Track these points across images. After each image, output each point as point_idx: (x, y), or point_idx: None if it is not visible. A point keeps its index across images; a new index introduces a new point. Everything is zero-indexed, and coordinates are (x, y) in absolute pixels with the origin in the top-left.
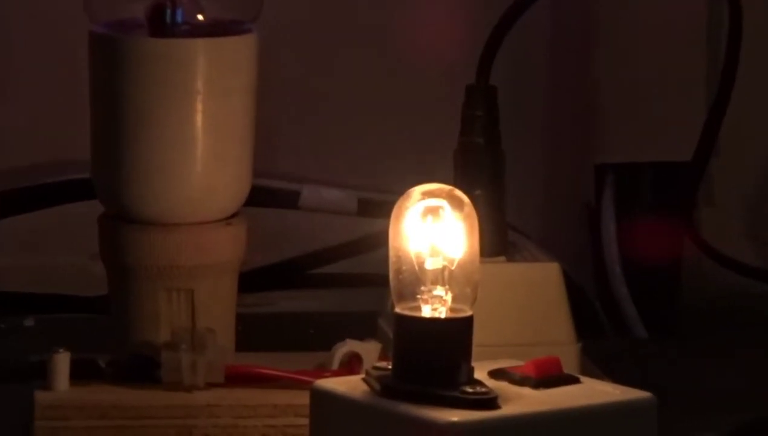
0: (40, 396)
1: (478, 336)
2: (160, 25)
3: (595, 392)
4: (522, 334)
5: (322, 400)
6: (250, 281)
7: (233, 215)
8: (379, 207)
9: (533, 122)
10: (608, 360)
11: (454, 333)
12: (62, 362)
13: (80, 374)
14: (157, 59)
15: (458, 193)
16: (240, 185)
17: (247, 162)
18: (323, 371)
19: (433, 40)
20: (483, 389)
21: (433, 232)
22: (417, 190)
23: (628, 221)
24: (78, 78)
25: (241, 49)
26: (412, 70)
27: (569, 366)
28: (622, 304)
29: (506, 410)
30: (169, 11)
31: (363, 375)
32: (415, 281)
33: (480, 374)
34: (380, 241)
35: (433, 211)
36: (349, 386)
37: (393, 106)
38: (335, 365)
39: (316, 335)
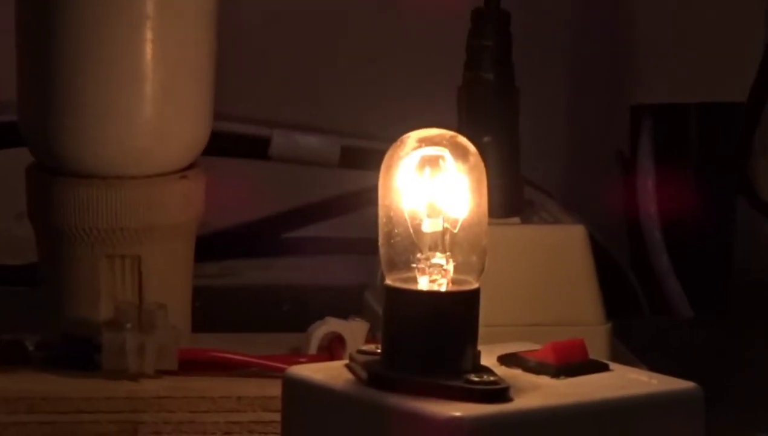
0: None
1: (486, 314)
2: None
3: (627, 381)
4: (539, 311)
5: (297, 391)
6: (211, 246)
7: (189, 167)
8: (367, 157)
9: (555, 55)
10: (645, 343)
11: (457, 310)
12: None
13: (4, 358)
14: None
15: (462, 140)
16: (197, 130)
17: (206, 102)
18: (298, 355)
19: None
20: (492, 378)
21: (431, 187)
22: (412, 137)
23: (670, 174)
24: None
25: None
26: None
27: (597, 350)
28: (663, 276)
29: (519, 403)
30: None
31: (346, 361)
32: (410, 247)
33: (488, 360)
34: (367, 198)
35: (431, 162)
36: (330, 373)
37: (383, 36)
38: (313, 349)
39: (290, 313)
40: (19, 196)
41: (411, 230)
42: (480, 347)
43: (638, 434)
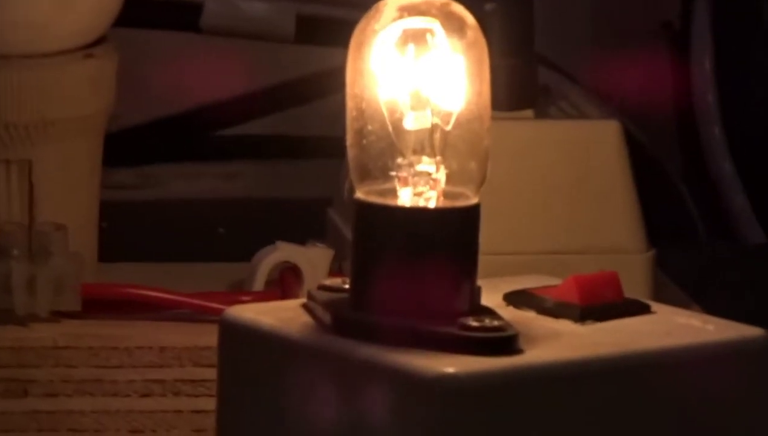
0: None
1: (488, 238)
2: None
3: (674, 327)
4: (559, 235)
5: (238, 338)
6: (124, 147)
7: (96, 43)
8: (330, 29)
9: None
10: (699, 277)
11: (450, 232)
12: None
13: None
14: None
15: (457, 7)
16: None
17: None
18: (239, 292)
19: None
20: (495, 323)
21: (416, 70)
22: (391, 4)
23: (733, 52)
24: None
25: None
26: None
27: (635, 286)
28: (724, 188)
29: (532, 355)
30: None
31: (303, 299)
32: (388, 150)
33: (492, 298)
34: (331, 84)
35: (417, 36)
36: (282, 316)
37: None
38: (259, 284)
39: (227, 236)
40: None
41: (389, 127)
42: (480, 282)
43: (689, 395)
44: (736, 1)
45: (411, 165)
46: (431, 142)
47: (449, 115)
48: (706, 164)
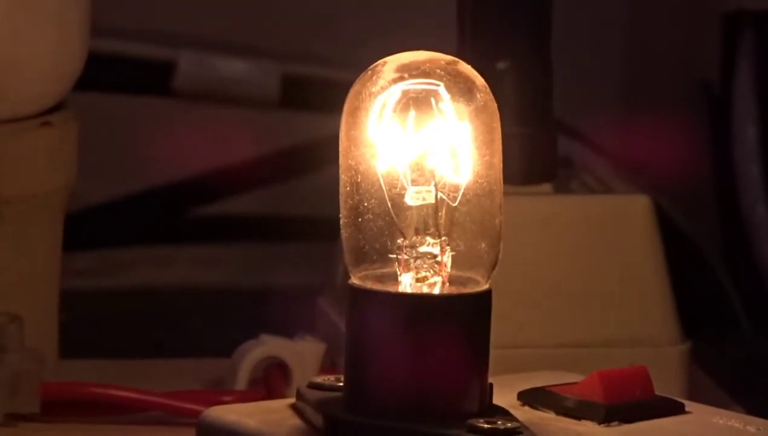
0: None
1: (500, 330)
2: None
3: (712, 429)
4: (582, 326)
5: None
6: (85, 229)
7: (54, 109)
8: (320, 92)
9: None
10: (742, 374)
11: (458, 323)
12: None
13: None
14: None
15: (464, 67)
16: (66, 52)
17: (79, 7)
18: (220, 392)
19: None
20: (509, 425)
21: (419, 139)
22: (390, 64)
23: None
24: None
25: None
26: None
27: (667, 383)
28: None
29: None
30: None
31: (292, 399)
32: (387, 229)
33: (506, 397)
34: (322, 154)
35: (419, 101)
36: (268, 418)
37: None
38: (242, 382)
39: (205, 328)
40: None
41: (388, 203)
42: (492, 379)
43: None
44: None
45: (413, 246)
46: (436, 221)
47: (456, 189)
48: (749, 246)
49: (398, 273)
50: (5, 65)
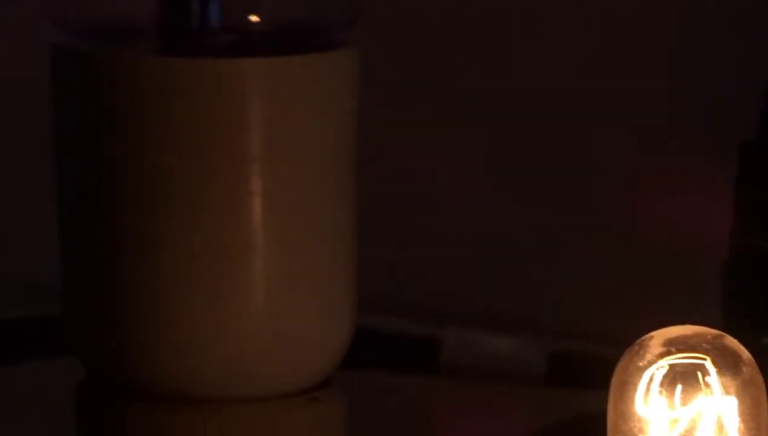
0: None
1: None
2: (181, 34)
3: None
4: None
5: None
6: None
7: (321, 386)
8: (586, 367)
9: None
10: None
11: None
12: None
13: None
14: (181, 96)
15: (731, 341)
16: (333, 331)
17: (346, 289)
18: None
19: None
20: None
21: (684, 414)
22: (657, 338)
23: None
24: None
25: (336, 72)
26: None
27: None
28: None
29: None
30: (197, 8)
31: None
32: None
33: None
34: (590, 431)
35: (686, 375)
36: None
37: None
38: None
39: None
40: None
41: None
42: None
43: None
44: None
45: None
46: None
47: None
48: None
49: None
50: (277, 344)
